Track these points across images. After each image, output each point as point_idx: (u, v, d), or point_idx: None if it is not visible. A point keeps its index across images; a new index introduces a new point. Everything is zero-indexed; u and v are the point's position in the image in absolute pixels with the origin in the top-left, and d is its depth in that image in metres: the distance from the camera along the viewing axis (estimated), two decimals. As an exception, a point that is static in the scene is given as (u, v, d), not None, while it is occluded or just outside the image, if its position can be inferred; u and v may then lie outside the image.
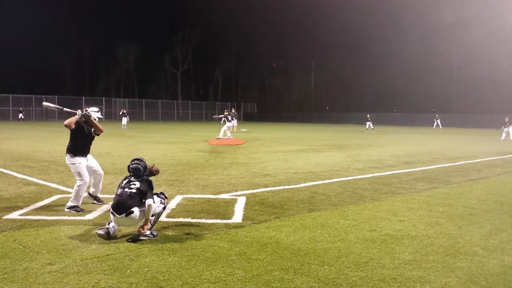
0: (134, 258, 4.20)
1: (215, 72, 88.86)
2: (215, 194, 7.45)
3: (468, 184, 9.01)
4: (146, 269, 3.92)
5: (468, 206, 6.83)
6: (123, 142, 19.68)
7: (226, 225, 5.46)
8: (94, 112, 6.40)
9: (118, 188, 5.03)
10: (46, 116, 58.21)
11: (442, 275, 3.88)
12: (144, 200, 4.90)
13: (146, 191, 4.93)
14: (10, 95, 55.05)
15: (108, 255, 4.28)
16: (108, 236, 4.78)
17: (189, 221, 5.59)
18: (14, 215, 5.81)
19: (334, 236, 5.04)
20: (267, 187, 8.26)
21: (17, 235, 4.90)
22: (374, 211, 6.39)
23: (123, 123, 35.94)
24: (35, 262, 4.04)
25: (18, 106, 53.50)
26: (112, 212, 4.85)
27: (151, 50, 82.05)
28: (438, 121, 46.82)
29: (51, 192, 7.48)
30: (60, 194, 7.30)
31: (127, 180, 5.08)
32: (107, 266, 3.97)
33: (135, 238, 4.78)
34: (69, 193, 7.35)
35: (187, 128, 37.97)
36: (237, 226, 5.42)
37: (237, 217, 5.87)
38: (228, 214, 6.01)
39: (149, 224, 4.87)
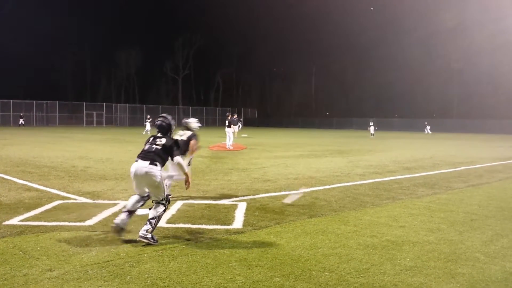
0: (134, 264, 4.19)
1: (215, 77, 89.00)
2: (215, 200, 7.44)
3: (469, 189, 8.99)
4: (146, 275, 3.91)
5: (469, 211, 6.81)
6: (123, 147, 19.69)
7: (227, 231, 5.45)
8: (195, 123, 7.39)
9: (145, 144, 5.29)
10: (47, 122, 58.34)
11: (443, 281, 3.87)
12: (171, 158, 5.14)
13: (172, 147, 5.14)
14: (11, 100, 55.19)
15: (108, 261, 4.27)
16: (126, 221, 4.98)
17: (190, 227, 5.58)
18: (14, 220, 5.80)
19: (335, 242, 5.02)
20: (267, 192, 8.25)
21: (17, 241, 4.89)
22: (375, 216, 6.38)
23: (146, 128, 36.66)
24: (35, 268, 4.03)
25: (19, 111, 53.59)
26: (136, 160, 5.04)
27: (151, 55, 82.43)
28: (428, 127, 47.20)
29: (52, 198, 7.47)
30: (61, 200, 7.29)
31: (153, 137, 5.30)
32: (107, 272, 3.96)
33: (137, 240, 4.81)
34: (70, 199, 7.35)
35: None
36: (237, 232, 5.41)
37: (238, 223, 5.86)
38: (229, 220, 6.00)
39: (190, 181, 5.24)
